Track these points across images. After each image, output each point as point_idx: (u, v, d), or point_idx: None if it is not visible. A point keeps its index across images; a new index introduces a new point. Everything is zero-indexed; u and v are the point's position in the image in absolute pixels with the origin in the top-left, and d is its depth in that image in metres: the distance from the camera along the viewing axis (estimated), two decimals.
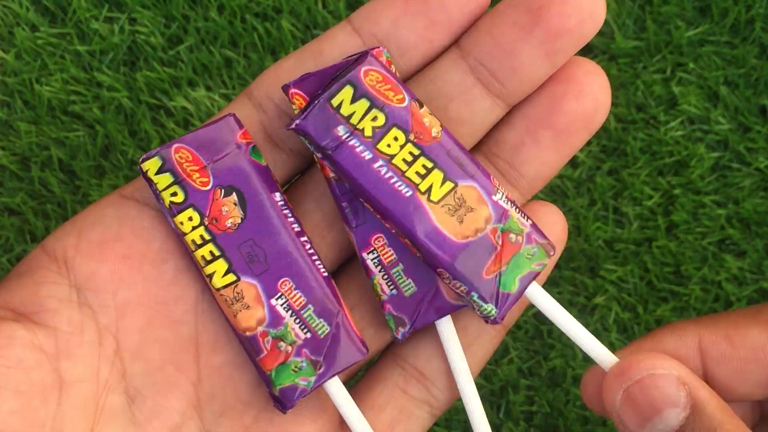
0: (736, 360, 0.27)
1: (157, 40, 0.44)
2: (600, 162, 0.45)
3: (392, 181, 0.26)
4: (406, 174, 0.26)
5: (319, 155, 0.26)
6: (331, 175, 0.27)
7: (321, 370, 0.27)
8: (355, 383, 0.30)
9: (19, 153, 0.44)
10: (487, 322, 0.27)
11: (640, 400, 0.26)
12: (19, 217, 0.43)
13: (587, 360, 0.44)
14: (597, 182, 0.44)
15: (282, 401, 0.27)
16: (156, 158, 0.27)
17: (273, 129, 0.28)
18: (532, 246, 0.27)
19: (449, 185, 0.26)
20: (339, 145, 0.26)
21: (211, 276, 0.27)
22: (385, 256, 0.28)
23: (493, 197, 0.26)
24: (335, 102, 0.26)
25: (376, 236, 0.28)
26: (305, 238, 0.28)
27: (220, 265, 0.27)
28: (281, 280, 0.27)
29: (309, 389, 0.27)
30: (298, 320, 0.27)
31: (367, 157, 0.26)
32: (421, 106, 0.26)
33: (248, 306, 0.27)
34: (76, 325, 0.26)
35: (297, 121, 0.26)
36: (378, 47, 0.27)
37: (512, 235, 0.27)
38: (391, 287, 0.28)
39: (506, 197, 0.27)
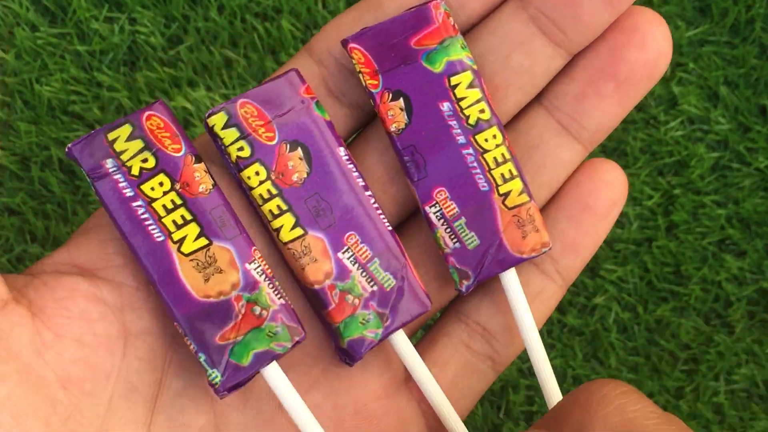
0: None
1: (157, 40, 0.44)
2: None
3: (147, 223, 0.26)
4: (163, 220, 0.26)
5: (90, 183, 0.26)
6: (392, 128, 0.28)
7: (387, 323, 0.27)
8: (416, 342, 0.30)
9: (19, 153, 0.44)
10: (213, 390, 0.26)
11: None
12: (19, 217, 0.43)
13: (587, 360, 0.44)
14: None
15: (350, 353, 0.27)
16: (222, 113, 0.27)
17: (334, 83, 0.29)
18: (276, 324, 0.26)
19: (203, 241, 0.26)
20: (104, 176, 0.26)
21: (278, 230, 0.27)
22: (448, 209, 0.28)
23: (247, 265, 0.26)
24: (111, 136, 0.26)
25: (438, 190, 0.28)
26: (369, 193, 0.28)
27: (288, 220, 0.27)
28: (347, 234, 0.27)
29: (376, 341, 0.27)
30: (364, 273, 0.27)
31: (128, 194, 0.26)
32: (198, 161, 0.27)
33: (316, 259, 0.27)
34: (142, 280, 0.27)
35: (70, 146, 0.26)
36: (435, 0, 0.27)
37: (257, 308, 0.26)
38: (454, 240, 0.28)
39: (263, 270, 0.26)
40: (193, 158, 0.27)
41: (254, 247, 0.27)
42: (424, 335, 0.30)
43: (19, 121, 0.44)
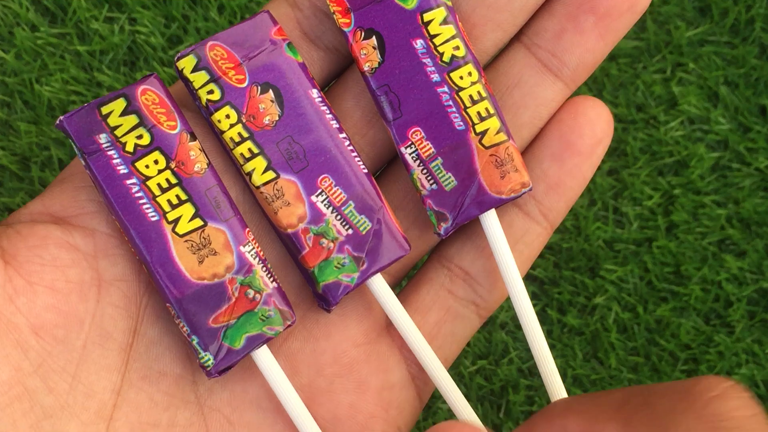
0: None
1: (157, 40, 0.44)
2: (600, 162, 0.45)
3: (141, 201, 0.25)
4: (157, 199, 0.26)
5: (79, 158, 0.26)
6: (366, 67, 0.27)
7: (364, 267, 0.27)
8: (400, 290, 0.30)
9: (19, 153, 0.44)
10: (204, 372, 0.26)
11: None
12: None
13: (587, 360, 0.44)
14: (597, 182, 0.44)
15: (326, 298, 0.27)
16: (191, 56, 0.26)
17: (309, 27, 0.28)
18: (269, 308, 0.26)
19: (198, 222, 0.26)
20: (97, 152, 0.25)
21: (250, 174, 0.26)
22: (423, 149, 0.27)
23: (241, 247, 0.26)
24: (105, 110, 0.25)
25: (413, 130, 0.27)
26: (344, 135, 0.27)
27: (259, 163, 0.26)
28: (321, 177, 0.27)
29: (352, 285, 0.27)
30: (339, 217, 0.27)
31: (122, 171, 0.25)
32: (193, 139, 0.26)
33: (289, 203, 0.26)
34: (115, 227, 0.26)
35: (61, 118, 0.25)
36: None
37: (250, 291, 0.26)
38: (431, 182, 0.27)
39: (257, 253, 0.26)
40: (189, 136, 0.26)
41: (247, 229, 0.26)
42: (407, 283, 0.30)
43: (19, 121, 0.44)
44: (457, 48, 0.27)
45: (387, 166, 0.29)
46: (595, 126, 0.28)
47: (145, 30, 0.44)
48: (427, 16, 0.27)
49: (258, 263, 0.26)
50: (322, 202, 0.27)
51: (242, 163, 0.26)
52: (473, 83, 0.27)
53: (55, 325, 0.25)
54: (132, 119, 0.25)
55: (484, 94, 0.27)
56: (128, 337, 0.26)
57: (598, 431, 0.24)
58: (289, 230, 0.27)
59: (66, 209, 0.26)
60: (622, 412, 0.24)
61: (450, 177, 0.27)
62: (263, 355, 0.26)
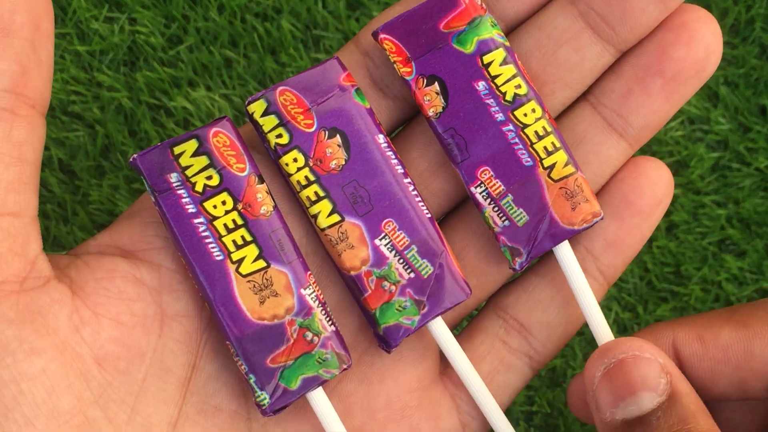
0: (707, 360, 0.26)
1: (157, 40, 0.44)
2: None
3: (207, 240, 0.26)
4: (223, 239, 0.26)
5: (150, 195, 0.27)
6: (431, 112, 0.28)
7: (425, 310, 0.27)
8: (456, 336, 0.30)
9: None
10: (259, 411, 0.27)
11: (618, 379, 0.26)
12: None
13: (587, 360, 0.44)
14: None
15: (386, 340, 0.27)
16: (261, 100, 0.27)
17: (379, 75, 0.29)
18: (326, 351, 0.27)
19: (261, 263, 0.26)
20: (167, 191, 0.26)
21: (315, 216, 0.27)
22: (493, 187, 0.28)
23: (302, 290, 0.27)
24: (177, 150, 0.26)
25: (482, 169, 0.28)
26: (408, 180, 0.28)
27: (325, 206, 0.27)
28: (385, 221, 0.27)
29: (413, 328, 0.27)
30: (401, 260, 0.27)
31: (190, 210, 0.26)
32: (261, 182, 0.27)
33: (352, 246, 0.27)
34: (180, 263, 0.27)
35: (135, 156, 0.26)
36: None
37: (309, 334, 0.27)
38: (503, 219, 0.28)
39: (317, 296, 0.27)
40: (257, 178, 0.27)
41: (309, 272, 0.27)
42: (462, 330, 0.30)
43: None
44: (518, 86, 0.27)
45: (455, 209, 0.30)
46: (656, 187, 0.29)
47: (145, 30, 0.44)
48: (486, 59, 0.27)
49: (318, 306, 0.27)
50: (385, 245, 0.27)
51: (308, 205, 0.27)
52: (537, 119, 0.27)
53: (118, 357, 0.25)
54: (203, 160, 0.26)
55: (549, 129, 0.27)
56: (187, 372, 0.26)
57: (713, 335, 0.25)
58: (352, 272, 0.27)
59: (134, 243, 0.27)
60: (734, 317, 0.25)
61: (521, 212, 0.28)
62: (318, 397, 0.27)
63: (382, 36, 0.27)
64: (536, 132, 0.27)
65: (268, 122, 0.27)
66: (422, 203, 0.28)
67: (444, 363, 0.30)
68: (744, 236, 0.44)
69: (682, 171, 0.45)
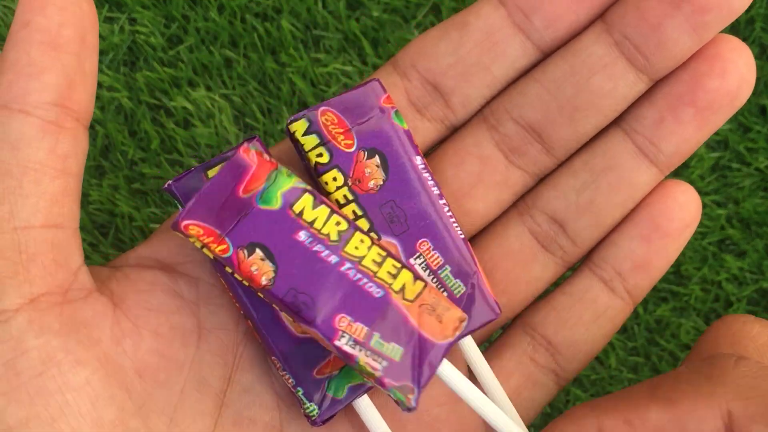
0: None
1: (157, 40, 0.44)
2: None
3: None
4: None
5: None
6: (263, 282, 0.26)
7: None
8: (484, 351, 0.31)
9: None
10: (309, 422, 0.27)
11: None
12: None
13: None
14: None
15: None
16: (303, 120, 0.27)
17: (416, 97, 0.29)
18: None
19: None
20: None
21: None
22: (356, 333, 0.26)
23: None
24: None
25: (339, 317, 0.26)
26: (443, 201, 0.28)
27: (362, 225, 0.27)
28: (420, 241, 0.28)
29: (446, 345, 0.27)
30: (435, 279, 0.28)
31: None
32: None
33: None
34: (216, 276, 0.27)
35: (170, 182, 0.26)
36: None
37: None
38: (379, 361, 0.26)
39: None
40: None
41: None
42: (488, 346, 0.31)
43: None
44: (338, 223, 0.26)
45: (482, 231, 0.30)
46: (685, 210, 0.29)
47: (145, 30, 0.44)
48: (296, 208, 0.26)
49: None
50: (419, 264, 0.28)
51: None
52: (369, 248, 0.26)
53: (158, 368, 0.26)
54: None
55: (383, 253, 0.26)
56: (223, 384, 0.27)
57: (641, 418, 0.24)
58: None
59: (173, 256, 0.28)
60: (659, 393, 0.24)
61: (393, 347, 0.26)
62: (364, 404, 0.27)
63: (185, 224, 0.25)
64: (374, 260, 0.26)
65: (309, 141, 0.27)
66: (456, 224, 0.28)
67: (472, 378, 0.30)
68: (744, 236, 0.44)
69: (682, 171, 0.45)
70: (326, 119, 0.27)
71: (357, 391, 0.27)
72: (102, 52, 0.44)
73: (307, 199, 0.26)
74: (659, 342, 0.44)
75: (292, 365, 0.27)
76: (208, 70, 0.44)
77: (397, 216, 0.27)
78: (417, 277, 0.26)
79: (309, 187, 0.27)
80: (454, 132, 0.30)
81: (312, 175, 0.28)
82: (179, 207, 0.27)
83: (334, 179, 0.27)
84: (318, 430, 0.28)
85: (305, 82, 0.44)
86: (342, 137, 0.27)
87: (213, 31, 0.44)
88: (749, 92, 0.28)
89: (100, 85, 0.44)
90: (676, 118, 0.28)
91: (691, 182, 0.44)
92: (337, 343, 0.25)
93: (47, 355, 0.24)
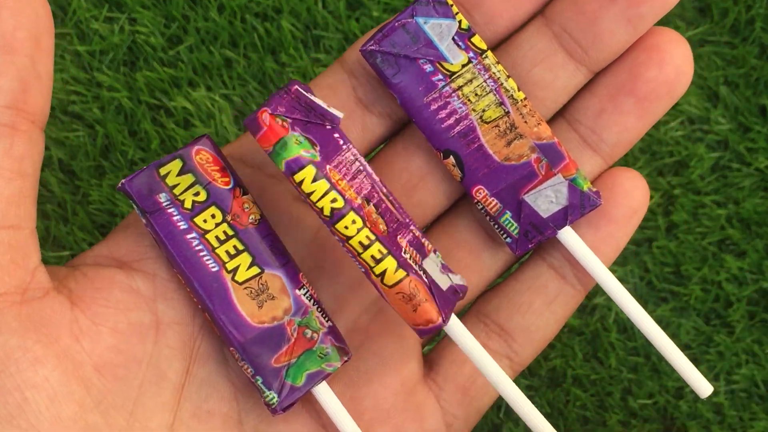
0: None
1: (157, 40, 0.44)
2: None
3: (201, 254, 0.27)
4: (216, 250, 0.27)
5: (140, 217, 0.28)
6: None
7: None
8: (437, 340, 0.32)
9: None
10: (269, 410, 0.27)
11: None
12: None
13: (587, 360, 0.44)
14: None
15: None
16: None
17: (364, 93, 0.30)
18: (326, 346, 0.28)
19: (255, 270, 0.27)
20: (158, 211, 0.27)
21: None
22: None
23: (297, 291, 0.28)
24: (163, 171, 0.27)
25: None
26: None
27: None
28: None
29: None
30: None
31: (182, 227, 0.27)
32: (245, 193, 0.28)
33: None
34: (173, 272, 0.28)
35: (123, 181, 0.27)
36: None
37: (308, 331, 0.28)
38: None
39: (311, 295, 0.28)
40: (241, 190, 0.28)
41: (301, 273, 0.28)
42: (444, 335, 0.31)
43: None
44: (334, 200, 0.27)
45: (434, 222, 0.31)
46: (631, 197, 0.30)
47: (145, 30, 0.44)
48: (297, 177, 0.27)
49: (313, 304, 0.28)
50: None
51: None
52: (359, 230, 0.27)
53: (116, 364, 0.26)
54: (189, 178, 0.27)
55: (372, 237, 0.27)
56: (181, 378, 0.28)
57: None
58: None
59: (129, 254, 0.28)
60: None
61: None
62: (323, 391, 0.28)
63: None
64: (360, 242, 0.27)
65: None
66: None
67: (428, 365, 0.31)
68: (744, 236, 0.44)
69: (682, 171, 0.45)
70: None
71: (315, 378, 0.27)
72: (102, 52, 0.44)
73: (309, 171, 0.27)
74: None
75: (250, 355, 0.27)
76: (208, 70, 0.44)
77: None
78: (401, 266, 0.27)
79: (317, 159, 0.27)
80: (403, 126, 0.30)
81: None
82: (134, 206, 0.27)
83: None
84: (278, 418, 0.29)
85: (305, 81, 0.44)
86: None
87: (213, 31, 0.44)
88: (687, 83, 0.29)
89: (100, 85, 0.44)
90: (616, 108, 0.29)
91: (691, 182, 0.44)
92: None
93: (5, 353, 0.25)
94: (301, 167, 0.27)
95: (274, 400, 0.27)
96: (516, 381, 0.43)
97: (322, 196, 0.27)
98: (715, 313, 0.44)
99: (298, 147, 0.27)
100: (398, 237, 0.28)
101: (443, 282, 0.28)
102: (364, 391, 0.29)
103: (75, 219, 0.43)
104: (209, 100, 0.44)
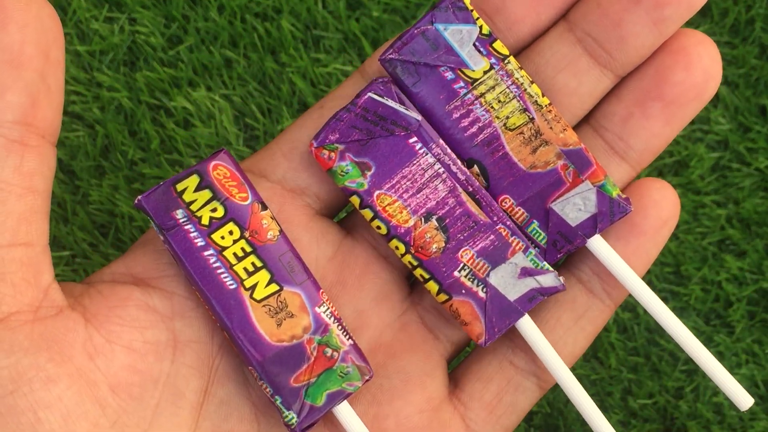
0: None
1: (157, 40, 0.44)
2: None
3: (219, 271, 0.27)
4: (234, 267, 0.27)
5: (158, 233, 0.27)
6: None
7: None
8: (464, 357, 0.31)
9: None
10: (289, 431, 0.27)
11: None
12: None
13: (587, 360, 0.44)
14: None
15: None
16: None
17: None
18: (347, 365, 0.27)
19: (274, 287, 0.27)
20: (175, 227, 0.27)
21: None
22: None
23: (316, 309, 0.27)
24: (180, 187, 0.27)
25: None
26: None
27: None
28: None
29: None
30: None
31: (199, 244, 0.27)
32: (264, 208, 0.27)
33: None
34: (191, 290, 0.27)
35: (140, 198, 0.27)
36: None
37: (328, 350, 0.27)
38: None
39: (332, 313, 0.27)
40: (260, 206, 0.27)
41: (321, 290, 0.27)
42: (469, 352, 0.31)
43: None
44: (378, 228, 0.28)
45: None
46: (661, 208, 0.29)
47: (145, 30, 0.44)
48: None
49: (333, 322, 0.27)
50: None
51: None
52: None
53: (131, 383, 0.26)
54: (206, 194, 0.27)
55: (414, 263, 0.28)
56: (199, 397, 0.27)
57: None
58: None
59: (147, 271, 0.27)
60: None
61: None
62: (345, 411, 0.27)
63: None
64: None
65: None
66: None
67: (453, 383, 0.30)
68: (744, 236, 0.44)
69: (682, 171, 0.45)
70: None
71: (336, 398, 0.27)
72: (102, 52, 0.44)
73: (354, 200, 0.28)
74: (659, 342, 0.44)
75: (268, 374, 0.27)
76: (208, 70, 0.44)
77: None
78: (444, 290, 0.28)
79: (363, 188, 0.28)
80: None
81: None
82: (151, 222, 0.27)
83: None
84: None
85: (305, 82, 0.44)
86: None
87: (213, 31, 0.44)
88: (716, 86, 0.28)
89: (100, 85, 0.44)
90: (644, 113, 0.28)
91: (691, 182, 0.44)
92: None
93: (17, 373, 0.24)
94: (350, 195, 0.28)
95: (294, 421, 0.27)
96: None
97: (370, 221, 0.28)
98: (715, 313, 0.44)
99: (343, 178, 0.28)
100: (462, 250, 0.28)
101: (516, 290, 0.28)
102: (388, 409, 0.29)
103: (75, 219, 0.43)
104: (209, 100, 0.44)
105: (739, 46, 0.45)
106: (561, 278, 0.28)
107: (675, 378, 0.44)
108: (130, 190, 0.43)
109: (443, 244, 0.28)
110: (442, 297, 0.28)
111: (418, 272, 0.28)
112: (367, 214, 0.28)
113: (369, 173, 0.28)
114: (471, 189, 0.28)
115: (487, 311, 0.28)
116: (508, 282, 0.28)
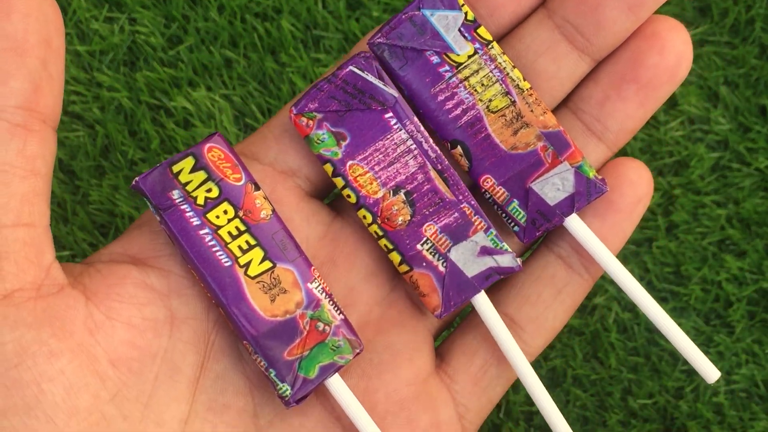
0: None
1: (157, 40, 0.44)
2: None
3: (214, 249, 0.28)
4: (229, 245, 0.28)
5: (154, 214, 0.28)
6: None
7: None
8: (448, 333, 0.32)
9: None
10: (283, 402, 0.28)
11: None
12: None
13: (587, 360, 0.44)
14: None
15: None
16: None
17: None
18: (338, 339, 0.28)
19: (268, 264, 0.28)
20: (171, 207, 0.28)
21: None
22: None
23: (308, 284, 0.28)
24: (176, 168, 0.28)
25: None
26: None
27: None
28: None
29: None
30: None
31: (195, 223, 0.28)
32: (257, 189, 0.28)
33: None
34: (187, 268, 0.28)
35: (137, 179, 0.28)
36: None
37: (320, 324, 0.28)
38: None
39: (323, 288, 0.28)
40: (253, 186, 0.28)
41: (313, 267, 0.29)
42: (455, 328, 0.31)
43: None
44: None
45: None
46: (636, 187, 0.30)
47: (145, 30, 0.44)
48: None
49: (325, 298, 0.28)
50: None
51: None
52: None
53: (131, 358, 0.27)
54: (201, 175, 0.28)
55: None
56: (196, 371, 0.28)
57: None
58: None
59: (144, 251, 0.29)
60: None
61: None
62: (336, 383, 0.28)
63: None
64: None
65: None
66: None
67: (440, 357, 0.31)
68: (744, 236, 0.44)
69: (682, 171, 0.45)
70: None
71: (328, 370, 0.28)
72: (102, 52, 0.44)
73: (327, 168, 0.29)
74: (659, 342, 0.44)
75: (263, 348, 0.27)
76: (208, 70, 0.44)
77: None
78: (406, 261, 0.29)
79: (337, 157, 0.29)
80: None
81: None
82: (148, 204, 0.28)
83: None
84: (292, 411, 0.29)
85: (305, 82, 0.44)
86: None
87: (213, 31, 0.44)
88: (688, 68, 0.30)
89: (100, 85, 0.44)
90: (619, 96, 0.30)
91: (691, 182, 0.44)
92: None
93: (21, 347, 0.25)
94: (324, 162, 0.29)
95: (288, 393, 0.28)
96: (515, 380, 0.44)
97: (341, 189, 0.29)
98: (715, 313, 0.44)
99: (318, 146, 0.29)
100: (426, 225, 0.29)
101: (475, 267, 0.29)
102: (377, 382, 0.30)
103: (75, 219, 0.43)
104: (209, 100, 0.44)
105: (739, 46, 0.45)
106: (519, 260, 0.30)
107: (675, 378, 0.44)
108: (130, 190, 0.43)
109: (409, 218, 0.29)
110: (404, 268, 0.29)
111: (383, 242, 0.29)
112: (339, 182, 0.29)
113: (344, 143, 0.29)
114: (440, 167, 0.29)
115: (445, 285, 0.29)
116: (467, 259, 0.29)
